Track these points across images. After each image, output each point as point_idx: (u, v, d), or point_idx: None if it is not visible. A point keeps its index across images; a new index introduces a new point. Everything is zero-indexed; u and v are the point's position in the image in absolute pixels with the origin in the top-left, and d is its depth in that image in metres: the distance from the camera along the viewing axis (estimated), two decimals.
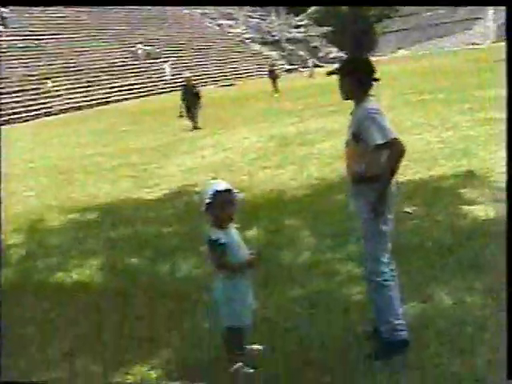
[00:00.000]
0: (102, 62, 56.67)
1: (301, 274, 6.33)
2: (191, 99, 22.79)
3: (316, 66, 75.31)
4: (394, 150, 4.44)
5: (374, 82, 4.70)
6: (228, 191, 4.35)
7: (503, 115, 14.95)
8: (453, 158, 11.08)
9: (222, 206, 4.33)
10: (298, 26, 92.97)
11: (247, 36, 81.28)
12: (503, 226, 7.02)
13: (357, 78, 4.64)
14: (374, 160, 4.52)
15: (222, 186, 4.37)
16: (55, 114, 42.85)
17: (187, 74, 28.21)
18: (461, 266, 5.97)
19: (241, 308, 4.46)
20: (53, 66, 50.52)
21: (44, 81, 46.91)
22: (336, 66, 4.93)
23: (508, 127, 4.52)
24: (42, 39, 54.14)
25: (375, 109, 4.55)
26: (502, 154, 10.85)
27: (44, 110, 43.61)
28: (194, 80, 26.33)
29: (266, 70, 40.81)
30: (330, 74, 4.93)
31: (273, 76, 37.02)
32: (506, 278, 4.29)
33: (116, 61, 58.75)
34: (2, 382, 4.58)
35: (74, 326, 5.76)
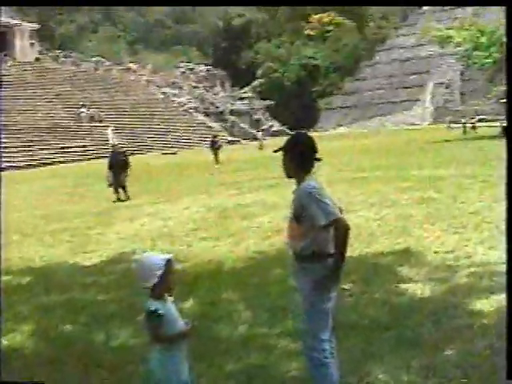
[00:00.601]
0: (44, 122, 56.42)
1: (237, 348, 6.30)
2: (118, 168, 22.22)
3: (256, 139, 76.40)
4: (339, 229, 4.56)
5: (315, 161, 4.83)
6: (169, 261, 4.39)
7: (439, 195, 15.40)
8: (391, 235, 11.27)
9: (169, 275, 4.35)
10: (242, 98, 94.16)
11: (191, 105, 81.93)
12: (438, 304, 7.19)
13: (298, 157, 4.77)
14: (318, 238, 4.63)
15: (164, 255, 4.43)
16: None
17: (115, 141, 28.38)
18: (398, 344, 6.03)
19: (176, 380, 4.41)
20: None
21: None
22: (283, 141, 5.00)
23: (508, 136, 4.57)
24: None
25: (315, 187, 4.65)
26: (438, 233, 11.17)
27: None
28: (122, 148, 26.31)
29: (209, 140, 41.14)
30: (276, 151, 4.99)
31: (215, 147, 37.33)
32: (506, 278, 4.29)
33: (59, 122, 58.54)
34: (1, 382, 4.45)
35: None
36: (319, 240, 4.63)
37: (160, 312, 4.30)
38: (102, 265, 10.96)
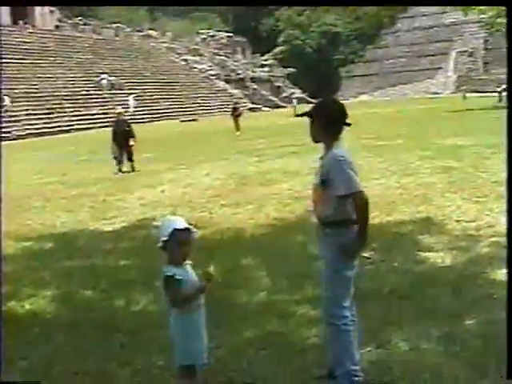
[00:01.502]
0: (65, 89, 56.48)
1: (256, 315, 6.31)
2: (122, 138, 20.97)
3: (278, 106, 76.17)
4: (358, 203, 4.51)
5: (344, 127, 4.71)
6: (185, 230, 4.33)
7: (460, 164, 15.30)
8: (411, 204, 11.22)
9: (178, 244, 4.32)
10: (262, 65, 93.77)
11: (212, 73, 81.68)
12: (459, 273, 7.15)
13: (326, 122, 4.64)
14: (341, 206, 4.54)
15: (180, 224, 4.34)
16: (13, 139, 42.39)
17: (119, 109, 25.64)
18: (418, 312, 6.01)
19: (195, 346, 4.41)
20: (15, 90, 50.12)
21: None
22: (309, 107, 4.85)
23: (508, 132, 4.50)
24: (5, 62, 53.74)
25: (344, 156, 4.57)
26: (459, 202, 11.10)
27: (2, 135, 43.15)
28: (125, 115, 24.56)
29: (229, 107, 41.00)
30: (299, 115, 4.91)
31: (235, 114, 37.22)
32: (506, 278, 4.26)
33: (79, 89, 58.58)
34: (1, 382, 4.50)
35: (22, 360, 5.64)
36: (344, 207, 4.55)
37: (177, 277, 4.31)
38: (123, 231, 11.01)
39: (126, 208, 13.17)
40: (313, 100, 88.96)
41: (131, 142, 20.93)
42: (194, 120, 56.76)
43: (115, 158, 20.84)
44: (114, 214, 12.50)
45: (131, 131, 21.36)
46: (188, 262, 4.49)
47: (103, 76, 62.80)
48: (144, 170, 20.11)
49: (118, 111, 23.36)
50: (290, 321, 6.08)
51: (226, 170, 18.25)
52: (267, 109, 74.89)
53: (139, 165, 20.86)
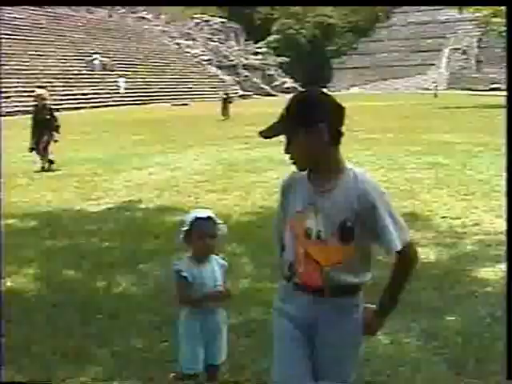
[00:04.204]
0: (56, 68, 56.17)
1: (239, 302, 6.30)
2: (41, 127, 16.96)
3: (269, 94, 76.10)
4: (411, 257, 3.19)
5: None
6: (209, 219, 3.99)
7: (448, 161, 15.35)
8: (398, 198, 11.21)
9: (199, 235, 3.97)
10: (256, 53, 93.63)
11: (205, 58, 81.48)
12: (442, 269, 7.17)
13: (331, 125, 3.04)
14: (368, 262, 3.27)
15: (203, 213, 4.02)
16: (2, 116, 42.11)
17: (40, 90, 19.90)
18: (399, 307, 5.99)
19: (198, 352, 4.12)
20: (5, 67, 49.77)
21: None
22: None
23: (508, 131, 4.37)
24: None
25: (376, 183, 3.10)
26: (445, 198, 11.13)
27: None
28: (47, 99, 18.27)
29: (221, 93, 40.91)
30: (268, 137, 3.32)
31: (226, 101, 37.19)
32: (506, 278, 4.26)
33: (71, 69, 58.27)
34: (1, 383, 4.47)
35: (1, 337, 5.61)
36: (369, 262, 3.27)
37: (183, 273, 4.01)
38: (108, 212, 10.96)
39: (111, 189, 13.12)
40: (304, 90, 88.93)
41: (55, 138, 17.08)
42: (185, 104, 56.63)
43: (31, 149, 17.09)
44: (99, 195, 12.45)
45: (53, 121, 17.30)
46: (216, 257, 4.18)
47: (95, 56, 62.50)
48: (132, 152, 20.03)
49: (37, 93, 18.63)
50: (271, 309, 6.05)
51: (215, 155, 18.24)
52: (258, 97, 74.81)
53: (129, 145, 20.77)
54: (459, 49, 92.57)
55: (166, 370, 4.65)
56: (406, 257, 3.14)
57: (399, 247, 3.03)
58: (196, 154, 18.62)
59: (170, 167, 16.07)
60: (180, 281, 4.04)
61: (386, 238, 3.03)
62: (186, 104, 57.10)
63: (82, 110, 48.22)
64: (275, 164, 15.69)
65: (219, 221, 4.07)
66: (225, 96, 38.27)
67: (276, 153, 17.80)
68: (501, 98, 51.97)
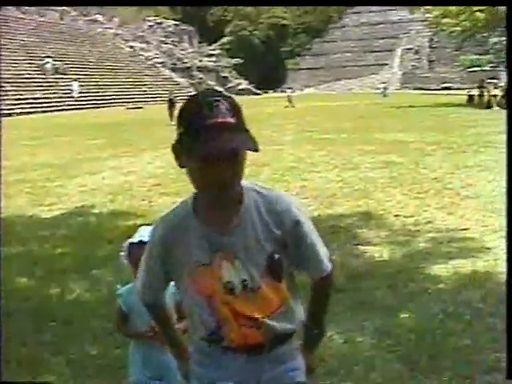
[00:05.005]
0: (7, 72, 55.41)
1: None
2: None
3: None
4: (330, 283, 2.71)
5: None
6: (143, 243, 3.24)
7: (401, 160, 15.51)
8: (351, 197, 11.31)
9: (135, 262, 3.26)
10: (209, 55, 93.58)
11: (158, 60, 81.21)
12: (396, 267, 7.23)
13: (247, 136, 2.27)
14: (298, 297, 2.65)
15: (137, 237, 3.52)
16: None
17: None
18: (353, 306, 6.05)
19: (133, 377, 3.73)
20: None
21: None
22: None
23: (508, 133, 4.32)
24: None
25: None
26: (399, 197, 11.24)
27: None
28: None
29: (167, 97, 40.35)
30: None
31: (171, 104, 36.91)
32: (506, 278, 4.28)
33: (22, 72, 57.58)
34: (1, 382, 4.38)
35: None
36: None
37: (119, 300, 3.60)
38: (61, 218, 10.83)
39: (65, 194, 12.97)
40: (258, 91, 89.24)
41: None
42: (139, 108, 56.34)
43: None
44: (52, 201, 12.29)
45: None
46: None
47: (47, 60, 61.86)
48: (86, 156, 19.86)
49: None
50: None
51: (169, 158, 18.00)
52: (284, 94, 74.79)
53: (83, 151, 20.60)
54: (411, 49, 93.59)
55: (121, 376, 4.60)
56: (330, 278, 2.65)
57: (329, 268, 2.59)
58: (150, 158, 18.53)
59: (124, 171, 15.96)
60: (117, 309, 3.64)
61: (316, 259, 2.55)
62: (141, 107, 56.81)
63: (34, 115, 47.64)
64: None
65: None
66: (171, 98, 37.72)
67: None
68: (452, 96, 52.74)
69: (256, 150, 2.20)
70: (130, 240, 3.56)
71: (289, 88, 65.26)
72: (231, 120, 2.18)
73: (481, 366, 4.70)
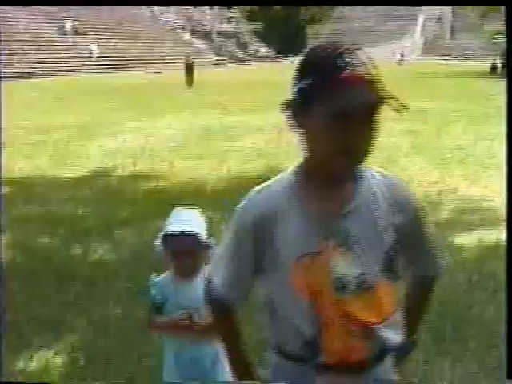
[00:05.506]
0: (27, 34, 55.34)
1: None
2: None
3: (243, 61, 75.76)
4: (433, 286, 2.31)
5: None
6: (184, 235, 3.02)
7: (424, 127, 15.41)
8: (375, 164, 11.22)
9: (173, 254, 3.11)
10: (229, 19, 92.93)
11: (178, 24, 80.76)
12: None
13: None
14: None
15: (176, 226, 3.04)
16: None
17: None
18: None
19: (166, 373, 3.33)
20: None
21: None
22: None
23: (508, 131, 4.23)
24: None
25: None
26: (422, 164, 11.18)
27: None
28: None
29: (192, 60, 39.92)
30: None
31: (188, 68, 36.54)
32: (506, 278, 4.25)
33: (42, 34, 57.44)
34: (1, 382, 4.38)
35: None
36: None
37: (152, 291, 3.18)
38: (82, 179, 10.86)
39: (86, 156, 12.99)
40: (278, 58, 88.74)
41: None
42: (158, 72, 56.12)
43: None
44: (74, 162, 12.33)
45: None
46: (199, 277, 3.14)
47: (67, 21, 61.64)
48: (106, 119, 19.83)
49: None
50: None
51: (189, 122, 18.12)
52: (233, 64, 74.38)
53: (105, 112, 20.59)
54: (434, 17, 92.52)
55: (143, 339, 4.57)
56: (433, 282, 2.30)
57: (445, 265, 2.26)
58: (170, 121, 18.50)
59: (145, 134, 15.95)
60: (150, 301, 3.21)
61: (433, 255, 2.20)
62: (160, 71, 56.58)
63: (55, 77, 47.60)
64: (248, 131, 15.70)
65: (201, 231, 3.11)
66: (187, 61, 37.09)
67: (250, 120, 17.82)
68: (474, 66, 52.19)
69: (402, 112, 1.82)
70: (169, 229, 3.05)
71: None
72: (372, 72, 1.80)
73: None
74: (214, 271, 2.21)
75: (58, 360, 4.57)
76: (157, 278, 3.21)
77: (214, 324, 2.39)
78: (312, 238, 1.92)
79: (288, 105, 1.87)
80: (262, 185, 2.07)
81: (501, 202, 8.51)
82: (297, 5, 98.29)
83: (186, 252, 3.07)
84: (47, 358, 4.57)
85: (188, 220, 3.08)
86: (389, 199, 2.01)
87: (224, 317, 2.27)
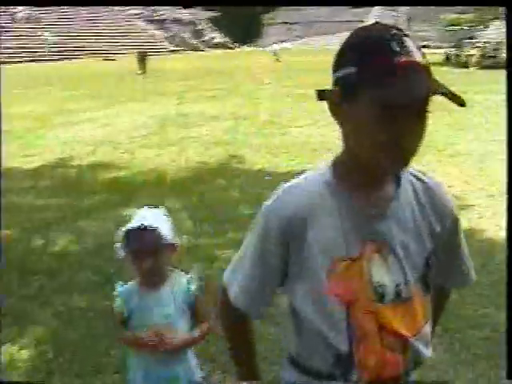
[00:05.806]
0: None
1: (180, 257, 6.28)
2: None
3: (198, 49, 75.48)
4: (449, 294, 2.24)
5: None
6: (145, 230, 2.76)
7: None
8: (334, 151, 11.32)
9: (134, 253, 2.84)
10: (185, 7, 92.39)
11: (134, 11, 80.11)
12: None
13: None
14: None
15: (137, 221, 2.81)
16: None
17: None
18: None
19: None
20: None
21: None
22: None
23: (508, 131, 4.29)
24: None
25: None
26: None
27: None
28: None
29: (146, 48, 40.05)
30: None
31: (141, 55, 36.89)
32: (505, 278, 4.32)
33: None
34: (1, 382, 4.33)
35: None
36: None
37: (117, 301, 2.91)
38: (42, 169, 10.76)
39: (45, 146, 12.87)
40: (233, 46, 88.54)
41: None
42: (112, 60, 55.64)
43: None
44: (32, 152, 12.20)
45: None
46: (180, 274, 3.03)
47: (19, 8, 60.73)
48: (64, 108, 19.62)
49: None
50: (214, 264, 6.06)
51: (147, 111, 18.04)
52: (189, 52, 74.05)
53: (62, 102, 20.36)
54: (389, 6, 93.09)
55: (109, 329, 4.50)
56: (449, 292, 2.21)
57: (474, 278, 2.07)
58: (128, 110, 18.40)
59: (103, 123, 15.84)
60: (115, 312, 2.93)
61: (467, 268, 2.03)
62: (114, 59, 56.10)
63: (7, 65, 46.90)
64: (207, 120, 15.75)
65: (162, 227, 2.83)
66: (140, 54, 37.66)
67: (207, 108, 17.88)
68: (430, 54, 52.49)
69: (462, 105, 1.63)
70: (128, 225, 2.81)
71: (275, 43, 64.36)
72: (423, 60, 1.64)
73: (468, 320, 4.85)
74: (231, 276, 1.97)
75: (25, 354, 4.54)
76: (121, 288, 2.96)
77: (225, 331, 2.11)
78: (349, 242, 1.75)
79: (330, 94, 1.70)
80: (292, 181, 1.85)
81: (461, 188, 8.65)
82: (295, 4, 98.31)
83: (146, 251, 2.79)
84: (12, 353, 4.53)
85: (148, 216, 2.84)
86: (430, 203, 1.85)
87: (238, 324, 2.06)
